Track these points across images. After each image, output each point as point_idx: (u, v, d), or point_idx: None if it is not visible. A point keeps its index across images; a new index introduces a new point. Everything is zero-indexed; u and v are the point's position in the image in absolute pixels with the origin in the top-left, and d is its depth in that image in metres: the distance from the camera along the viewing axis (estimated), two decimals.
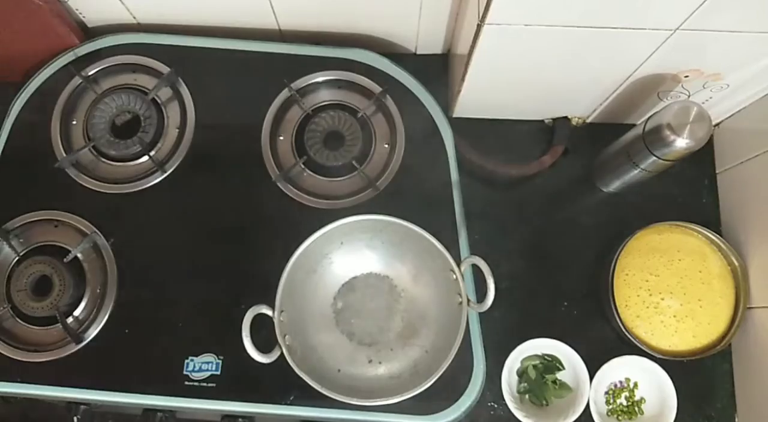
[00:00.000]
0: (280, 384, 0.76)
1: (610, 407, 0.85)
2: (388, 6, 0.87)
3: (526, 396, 0.85)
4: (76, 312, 0.80)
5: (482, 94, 0.88)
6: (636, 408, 0.84)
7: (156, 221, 0.84)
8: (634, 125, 0.82)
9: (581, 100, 0.90)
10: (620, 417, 0.84)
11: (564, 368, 0.84)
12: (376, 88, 0.87)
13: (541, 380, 0.84)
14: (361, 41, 0.94)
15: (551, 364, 0.84)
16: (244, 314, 0.68)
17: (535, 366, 0.85)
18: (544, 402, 0.84)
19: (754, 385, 0.83)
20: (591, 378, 0.82)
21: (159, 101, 0.88)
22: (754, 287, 0.83)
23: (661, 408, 0.83)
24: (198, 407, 0.77)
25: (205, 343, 0.78)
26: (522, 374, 0.85)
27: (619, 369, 0.84)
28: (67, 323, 0.78)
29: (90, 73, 0.88)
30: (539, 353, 0.85)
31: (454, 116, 0.95)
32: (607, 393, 0.85)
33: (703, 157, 0.94)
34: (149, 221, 0.84)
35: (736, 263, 0.84)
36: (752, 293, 0.84)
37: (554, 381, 0.84)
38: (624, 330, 0.82)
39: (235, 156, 0.86)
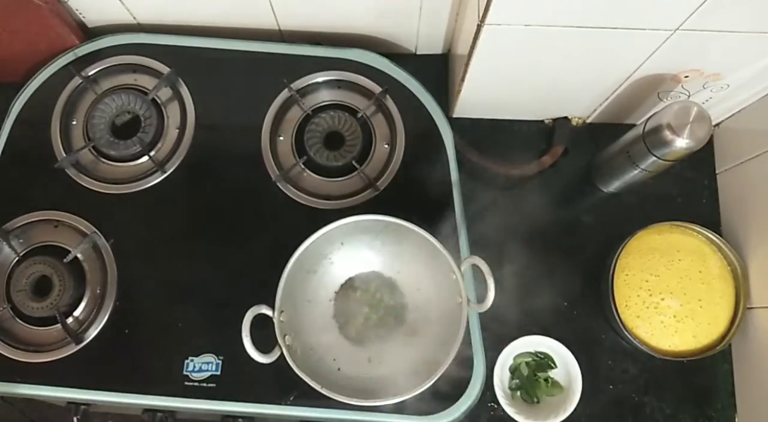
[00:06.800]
0: (280, 384, 0.76)
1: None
2: (388, 6, 0.87)
3: (518, 392, 0.85)
4: (76, 312, 0.80)
5: (482, 94, 0.88)
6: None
7: (156, 222, 0.84)
8: (634, 125, 0.82)
9: (581, 100, 0.90)
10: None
11: (556, 366, 0.84)
12: (376, 89, 0.87)
13: (533, 377, 0.84)
14: (361, 41, 0.94)
15: (543, 362, 0.84)
16: (244, 315, 0.68)
17: (527, 363, 0.85)
18: (535, 400, 0.84)
19: (754, 385, 0.83)
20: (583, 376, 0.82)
21: (159, 101, 0.88)
22: (754, 287, 0.83)
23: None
24: (198, 407, 0.77)
25: (205, 343, 0.78)
26: (514, 370, 0.85)
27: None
28: (67, 323, 0.78)
29: (90, 73, 0.88)
30: (532, 350, 0.85)
31: (454, 116, 0.95)
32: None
33: (703, 157, 0.94)
34: (149, 221, 0.84)
35: (736, 264, 0.84)
36: (752, 294, 0.84)
37: (546, 380, 0.84)
38: (624, 330, 0.82)
39: (235, 156, 0.86)
